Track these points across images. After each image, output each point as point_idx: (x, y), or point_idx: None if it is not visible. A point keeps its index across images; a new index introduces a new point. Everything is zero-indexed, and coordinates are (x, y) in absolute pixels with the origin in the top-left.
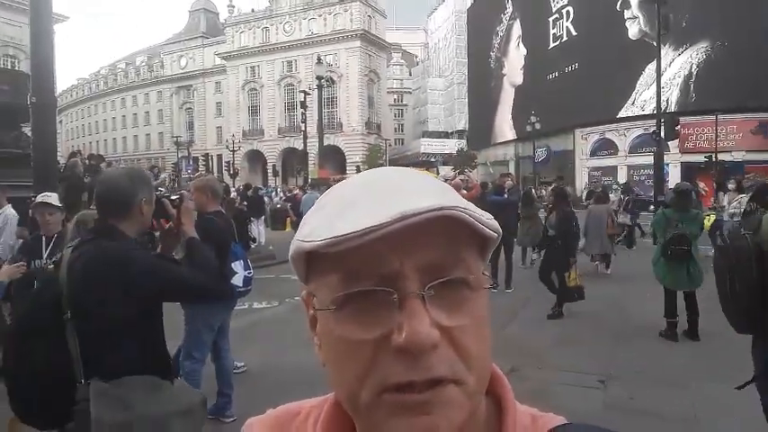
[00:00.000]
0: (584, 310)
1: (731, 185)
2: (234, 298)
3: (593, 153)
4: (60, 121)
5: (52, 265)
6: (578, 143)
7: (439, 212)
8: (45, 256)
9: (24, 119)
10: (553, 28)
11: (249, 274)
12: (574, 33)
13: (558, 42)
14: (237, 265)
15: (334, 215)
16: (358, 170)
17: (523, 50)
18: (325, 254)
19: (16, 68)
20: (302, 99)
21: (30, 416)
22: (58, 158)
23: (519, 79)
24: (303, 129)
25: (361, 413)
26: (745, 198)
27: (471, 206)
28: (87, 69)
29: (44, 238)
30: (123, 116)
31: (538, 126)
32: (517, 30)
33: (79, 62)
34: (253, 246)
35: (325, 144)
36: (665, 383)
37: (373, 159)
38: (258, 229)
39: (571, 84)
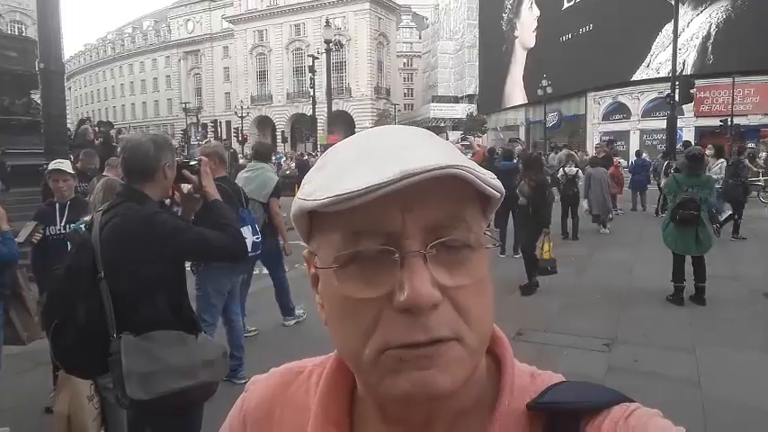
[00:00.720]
0: (592, 274)
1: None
2: (243, 263)
3: (606, 117)
4: (69, 88)
5: (84, 228)
6: (590, 107)
7: (443, 171)
8: (62, 221)
9: (33, 86)
10: None
11: (257, 239)
12: None
13: (572, 2)
14: (246, 231)
15: (337, 173)
16: None
17: (536, 12)
18: (328, 212)
19: (23, 35)
20: (311, 64)
21: (72, 366)
22: (68, 125)
23: (531, 42)
24: (312, 94)
25: (364, 370)
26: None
27: (475, 165)
28: (94, 34)
29: (58, 205)
30: (131, 82)
31: (549, 90)
32: None
33: (86, 27)
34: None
35: (334, 110)
36: (670, 347)
37: (382, 124)
38: None
39: (585, 46)
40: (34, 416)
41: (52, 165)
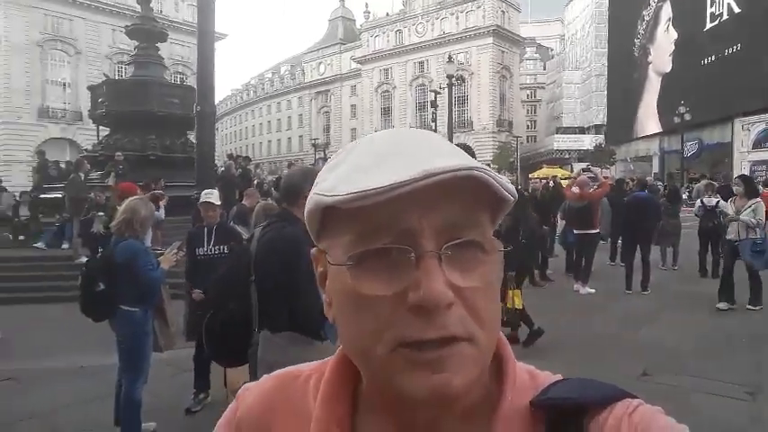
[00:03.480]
0: (730, 315)
1: (737, 188)
2: None
3: (757, 145)
4: (217, 129)
5: (246, 241)
6: (738, 134)
7: (465, 172)
8: (209, 244)
9: (189, 127)
10: (711, 6)
11: None
12: (736, 10)
13: (716, 22)
14: None
15: (356, 172)
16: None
17: (674, 34)
18: (344, 210)
19: (185, 83)
20: (432, 98)
21: (218, 354)
22: (216, 161)
23: (667, 66)
24: (433, 128)
25: (375, 368)
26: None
27: (490, 170)
28: (240, 80)
29: (206, 229)
30: (269, 122)
31: (688, 117)
32: (667, 12)
33: (233, 75)
34: None
35: (455, 142)
36: None
37: (504, 158)
38: None
39: (731, 68)
40: (177, 415)
41: (203, 197)
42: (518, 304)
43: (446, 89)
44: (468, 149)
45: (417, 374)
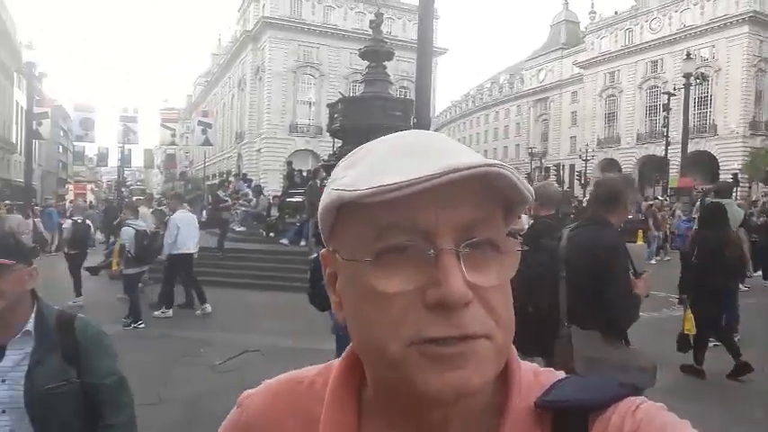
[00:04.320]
0: None
1: None
2: None
3: None
4: None
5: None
6: None
7: (487, 169)
8: None
9: None
10: None
11: None
12: None
13: None
14: None
15: (376, 167)
16: (734, 178)
17: None
18: (362, 206)
19: (407, 97)
20: (665, 101)
21: (518, 346)
22: None
23: None
24: (665, 134)
25: (390, 365)
26: None
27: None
28: (460, 92)
29: None
30: (486, 131)
31: None
32: None
33: (454, 86)
34: None
35: (692, 150)
36: None
37: (755, 166)
38: None
39: None
40: None
41: None
42: (688, 328)
43: (683, 90)
44: None
45: (436, 370)
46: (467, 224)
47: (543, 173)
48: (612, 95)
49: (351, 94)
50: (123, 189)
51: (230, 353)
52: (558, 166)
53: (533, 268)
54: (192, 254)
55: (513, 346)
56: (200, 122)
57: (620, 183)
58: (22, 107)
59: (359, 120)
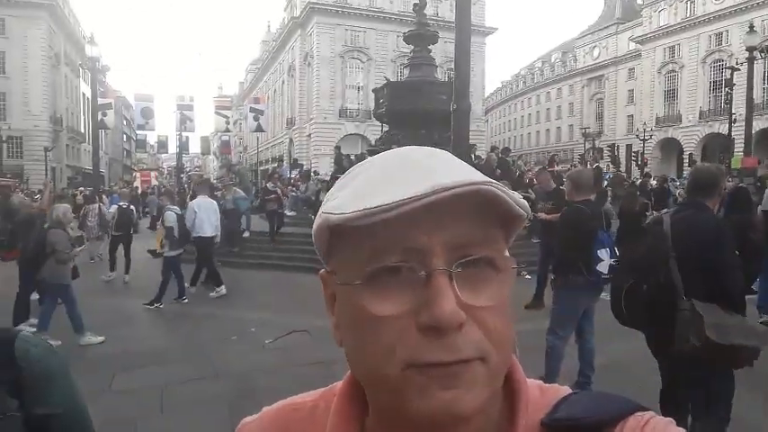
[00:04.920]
0: None
1: None
2: (599, 285)
3: None
4: (486, 121)
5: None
6: None
7: (474, 187)
8: None
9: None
10: None
11: (615, 261)
12: None
13: None
14: (603, 253)
15: (364, 190)
16: None
17: None
18: (352, 228)
19: (451, 80)
20: (728, 77)
21: (634, 319)
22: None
23: None
24: (730, 111)
25: (386, 389)
26: None
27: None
28: (511, 72)
29: None
30: (537, 112)
31: None
32: None
33: (505, 66)
34: None
35: (760, 128)
36: None
37: None
38: None
39: None
40: None
41: None
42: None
43: (746, 64)
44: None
45: (428, 392)
46: (460, 243)
47: (594, 153)
48: (673, 71)
49: (398, 78)
50: (182, 175)
51: (279, 333)
52: (612, 146)
53: (640, 251)
54: (209, 237)
55: (516, 361)
56: (251, 109)
57: (715, 170)
58: (87, 98)
59: (404, 104)
